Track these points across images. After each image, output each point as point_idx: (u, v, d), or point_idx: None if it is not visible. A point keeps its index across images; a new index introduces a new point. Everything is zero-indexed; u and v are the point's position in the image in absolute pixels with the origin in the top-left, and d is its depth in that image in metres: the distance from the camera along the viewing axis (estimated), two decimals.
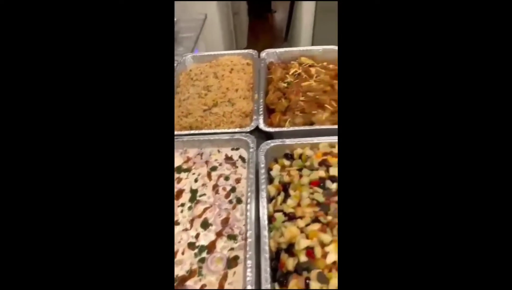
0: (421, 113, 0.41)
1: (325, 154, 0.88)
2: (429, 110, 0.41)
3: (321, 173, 0.81)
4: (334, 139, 0.91)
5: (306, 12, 2.84)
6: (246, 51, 1.41)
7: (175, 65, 1.34)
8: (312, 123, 1.05)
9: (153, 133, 0.43)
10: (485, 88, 0.40)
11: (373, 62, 0.43)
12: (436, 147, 0.41)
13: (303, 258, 0.64)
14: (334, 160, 0.84)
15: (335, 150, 0.88)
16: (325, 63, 1.32)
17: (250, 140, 0.93)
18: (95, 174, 0.41)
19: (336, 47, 1.35)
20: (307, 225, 0.70)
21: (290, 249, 0.67)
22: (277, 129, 0.97)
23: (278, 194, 0.79)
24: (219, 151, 0.95)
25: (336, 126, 0.97)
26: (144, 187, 0.42)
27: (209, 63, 1.38)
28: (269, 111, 1.15)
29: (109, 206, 0.40)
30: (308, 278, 0.62)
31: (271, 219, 0.73)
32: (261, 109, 1.06)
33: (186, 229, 0.75)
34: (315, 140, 0.91)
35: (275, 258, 0.68)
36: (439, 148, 0.40)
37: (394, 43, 0.43)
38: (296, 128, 0.97)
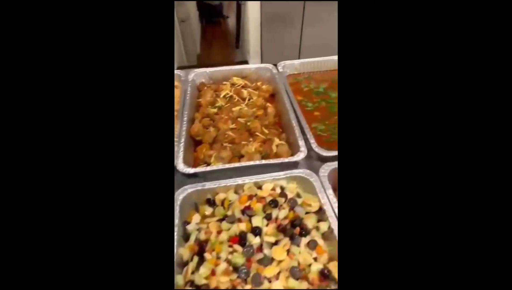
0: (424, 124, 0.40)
1: (250, 197, 0.77)
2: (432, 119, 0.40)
3: (242, 226, 0.69)
4: (261, 177, 0.80)
5: (252, 17, 2.76)
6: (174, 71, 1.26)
7: None
8: (242, 156, 0.94)
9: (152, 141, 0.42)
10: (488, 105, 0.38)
11: (373, 66, 0.42)
12: (437, 157, 0.39)
13: None
14: (258, 207, 0.73)
15: (261, 192, 0.77)
16: (259, 83, 1.22)
17: None
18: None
19: (269, 65, 1.25)
20: None
21: None
22: (197, 170, 0.84)
23: (192, 258, 0.66)
24: None
25: (264, 161, 0.86)
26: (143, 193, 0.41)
27: None
28: (197, 143, 1.02)
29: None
30: None
31: None
32: (182, 144, 0.92)
33: None
34: (239, 180, 0.80)
35: None
36: (441, 157, 0.39)
37: (395, 46, 0.41)
38: (220, 166, 0.85)
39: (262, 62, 2.96)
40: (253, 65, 1.27)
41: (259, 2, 2.64)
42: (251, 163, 0.85)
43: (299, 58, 1.29)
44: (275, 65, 1.27)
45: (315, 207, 0.74)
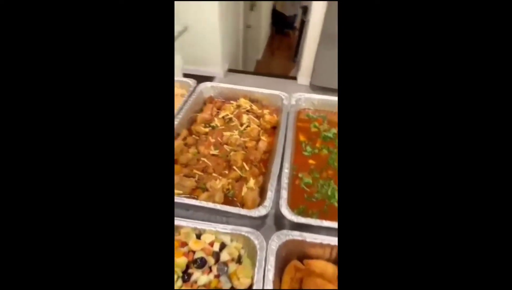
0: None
1: (182, 244, 0.66)
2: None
3: None
4: (205, 224, 0.69)
5: (311, 34, 2.64)
6: (184, 79, 1.22)
7: None
8: (207, 190, 0.84)
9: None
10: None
11: (374, 68, 0.40)
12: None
13: None
14: (181, 261, 0.62)
15: (194, 244, 0.66)
16: (266, 111, 1.10)
17: None
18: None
19: (283, 94, 1.12)
20: None
21: None
22: None
23: None
24: None
25: (219, 206, 0.74)
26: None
27: None
28: None
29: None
30: None
31: None
32: None
33: None
34: (182, 222, 0.70)
35: None
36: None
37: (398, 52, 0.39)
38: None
39: (311, 82, 2.80)
40: (266, 90, 1.15)
41: (322, 20, 2.50)
42: (203, 203, 0.74)
43: None
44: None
45: (244, 284, 0.60)
